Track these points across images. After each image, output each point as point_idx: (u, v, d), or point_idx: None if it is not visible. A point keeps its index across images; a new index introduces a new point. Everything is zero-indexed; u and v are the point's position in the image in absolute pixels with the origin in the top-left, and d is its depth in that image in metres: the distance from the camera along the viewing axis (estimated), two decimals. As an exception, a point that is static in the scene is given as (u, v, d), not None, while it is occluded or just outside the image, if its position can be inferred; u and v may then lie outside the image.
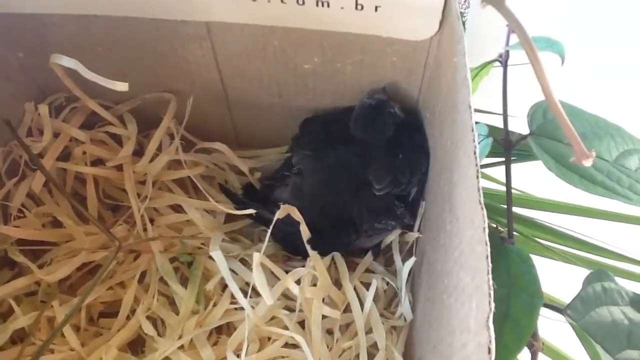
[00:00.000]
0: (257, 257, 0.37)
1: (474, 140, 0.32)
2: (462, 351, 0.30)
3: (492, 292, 0.27)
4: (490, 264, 0.28)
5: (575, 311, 0.41)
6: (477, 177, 0.31)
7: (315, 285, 0.39)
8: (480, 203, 0.30)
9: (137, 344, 0.40)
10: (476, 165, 0.31)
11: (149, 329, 0.39)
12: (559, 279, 0.49)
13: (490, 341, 0.26)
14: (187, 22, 0.40)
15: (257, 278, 0.37)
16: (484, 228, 0.29)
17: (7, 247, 0.41)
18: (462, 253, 0.33)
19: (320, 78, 0.44)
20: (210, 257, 0.42)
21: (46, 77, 0.44)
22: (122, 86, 0.38)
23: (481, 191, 0.31)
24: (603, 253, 0.49)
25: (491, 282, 0.27)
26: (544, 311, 0.43)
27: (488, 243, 0.29)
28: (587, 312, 0.41)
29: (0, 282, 0.40)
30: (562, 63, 0.45)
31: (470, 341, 0.29)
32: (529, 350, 0.43)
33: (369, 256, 0.44)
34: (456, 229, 0.34)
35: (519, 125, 0.48)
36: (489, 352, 0.26)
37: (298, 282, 0.39)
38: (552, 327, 0.45)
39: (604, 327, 0.41)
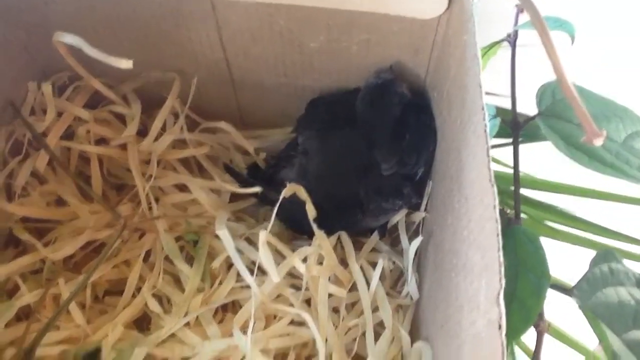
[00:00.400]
0: (263, 235, 0.37)
1: (484, 119, 0.31)
2: (471, 329, 0.30)
3: (502, 269, 0.27)
4: (500, 241, 0.28)
5: (582, 291, 0.41)
6: (488, 155, 0.30)
7: (321, 264, 0.39)
8: (490, 181, 0.30)
9: (142, 322, 0.40)
10: (486, 143, 0.31)
11: (154, 306, 0.39)
12: (565, 261, 0.49)
13: (500, 317, 0.26)
14: (191, 0, 0.39)
15: (264, 255, 0.36)
16: (495, 206, 0.29)
17: (12, 224, 0.41)
18: (472, 232, 0.32)
19: (326, 57, 0.44)
20: (216, 236, 0.42)
21: (48, 57, 0.44)
22: (126, 64, 0.37)
23: (492, 169, 0.30)
24: (610, 234, 0.49)
25: (502, 259, 0.27)
26: (550, 293, 0.43)
27: (499, 220, 0.29)
28: (593, 292, 0.41)
29: (5, 261, 0.40)
30: (572, 42, 0.45)
31: (479, 318, 0.29)
32: (535, 330, 0.43)
33: (375, 236, 0.43)
34: (465, 208, 0.34)
35: (525, 108, 0.47)
36: (500, 328, 0.26)
37: (304, 260, 0.39)
38: (557, 310, 0.45)
39: (610, 308, 0.41)
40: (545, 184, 0.54)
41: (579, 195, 0.53)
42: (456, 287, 0.33)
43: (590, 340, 0.53)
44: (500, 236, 0.29)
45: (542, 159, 0.56)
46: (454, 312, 0.33)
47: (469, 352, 0.30)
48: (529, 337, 0.46)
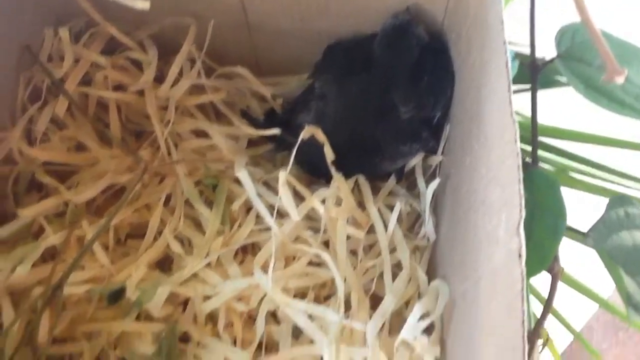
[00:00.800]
0: (283, 176, 0.37)
1: (505, 53, 0.31)
2: (489, 264, 0.30)
3: (522, 201, 0.27)
4: (521, 174, 0.28)
5: (598, 234, 0.42)
6: (509, 90, 0.30)
7: (339, 206, 0.40)
8: (511, 116, 0.30)
9: (164, 263, 0.41)
10: (508, 78, 0.31)
11: (176, 247, 0.40)
12: (581, 211, 0.49)
13: (520, 247, 0.26)
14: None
15: (284, 195, 0.37)
16: (516, 140, 0.29)
17: (35, 168, 0.42)
18: (491, 169, 0.33)
19: (342, 0, 0.43)
20: (235, 181, 0.42)
21: (63, 3, 0.44)
22: (143, 4, 0.37)
23: (513, 104, 0.30)
24: (628, 178, 0.49)
25: (522, 191, 0.27)
26: (563, 245, 0.44)
27: (520, 154, 0.29)
28: (609, 235, 0.42)
29: (29, 204, 0.40)
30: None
31: (498, 251, 0.29)
32: (549, 274, 0.44)
33: (392, 179, 0.44)
34: (484, 147, 0.34)
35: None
36: (520, 257, 0.26)
37: (322, 202, 0.40)
38: (571, 260, 0.45)
39: (625, 251, 0.41)
40: (561, 132, 0.54)
41: (594, 143, 0.52)
42: (474, 225, 0.34)
43: (603, 290, 0.53)
44: (520, 169, 0.29)
45: (557, 108, 0.56)
46: (471, 250, 0.34)
47: (487, 286, 0.31)
48: (541, 283, 0.46)
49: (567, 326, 0.53)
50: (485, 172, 0.33)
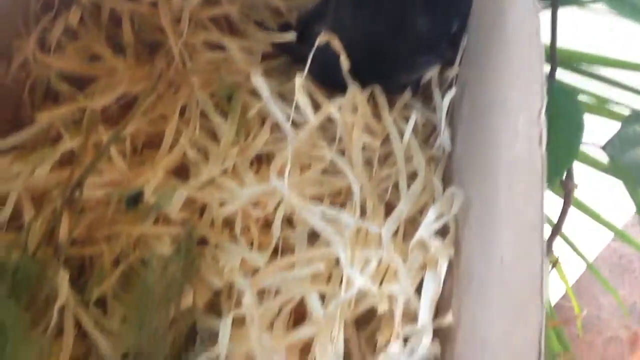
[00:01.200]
0: (299, 80, 0.37)
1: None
2: (507, 162, 0.30)
3: (544, 89, 0.27)
4: (543, 69, 0.28)
5: (614, 148, 0.42)
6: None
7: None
8: (535, 9, 0.29)
9: (181, 172, 0.41)
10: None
11: (193, 155, 0.40)
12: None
13: (541, 132, 0.26)
14: None
15: (301, 99, 0.37)
16: (538, 34, 0.29)
17: (51, 75, 0.42)
18: (512, 73, 0.32)
19: None
20: (249, 93, 0.42)
21: None
22: None
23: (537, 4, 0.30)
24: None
25: (544, 79, 0.27)
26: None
27: (542, 46, 0.28)
28: (625, 150, 0.42)
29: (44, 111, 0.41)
30: None
31: (517, 145, 0.29)
32: (563, 189, 0.44)
33: (408, 92, 0.43)
34: (504, 52, 0.33)
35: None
36: (540, 143, 0.26)
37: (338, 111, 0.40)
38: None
39: (640, 166, 0.41)
40: (580, 55, 0.53)
41: (615, 66, 0.52)
42: (493, 130, 0.33)
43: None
44: (542, 65, 0.28)
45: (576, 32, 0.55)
46: (489, 156, 0.33)
47: (505, 184, 0.30)
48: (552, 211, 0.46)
49: (578, 253, 0.53)
50: (506, 76, 0.33)
